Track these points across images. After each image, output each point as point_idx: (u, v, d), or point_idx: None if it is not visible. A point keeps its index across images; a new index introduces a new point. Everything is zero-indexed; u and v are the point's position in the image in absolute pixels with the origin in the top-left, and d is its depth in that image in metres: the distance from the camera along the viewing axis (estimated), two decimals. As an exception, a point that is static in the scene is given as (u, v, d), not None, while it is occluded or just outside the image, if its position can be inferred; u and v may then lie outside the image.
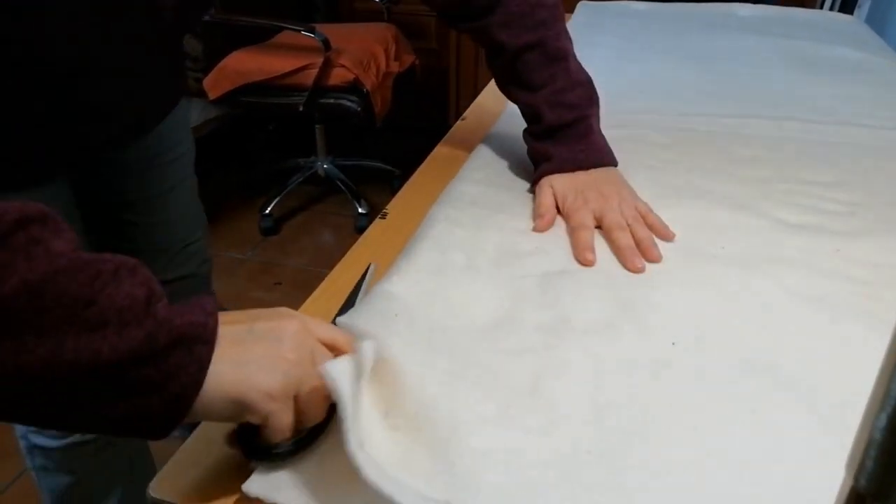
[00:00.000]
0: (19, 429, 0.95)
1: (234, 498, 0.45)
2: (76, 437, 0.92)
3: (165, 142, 0.89)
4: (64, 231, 0.38)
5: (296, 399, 0.43)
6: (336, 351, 0.47)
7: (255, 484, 0.44)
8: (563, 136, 0.78)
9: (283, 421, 0.42)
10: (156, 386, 0.38)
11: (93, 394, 0.37)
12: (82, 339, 0.35)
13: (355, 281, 0.64)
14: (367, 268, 0.65)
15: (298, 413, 0.44)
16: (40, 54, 0.62)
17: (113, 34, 0.67)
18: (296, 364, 0.43)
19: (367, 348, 0.46)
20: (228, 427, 0.47)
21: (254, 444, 0.44)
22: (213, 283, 1.12)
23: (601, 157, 0.78)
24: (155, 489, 0.45)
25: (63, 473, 0.96)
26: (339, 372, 0.43)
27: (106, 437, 0.93)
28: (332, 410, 0.45)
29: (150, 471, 1.07)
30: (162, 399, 0.38)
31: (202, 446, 0.49)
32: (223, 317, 0.42)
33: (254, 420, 0.42)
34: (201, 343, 0.39)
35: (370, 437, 0.43)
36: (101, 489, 1.00)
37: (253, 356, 0.41)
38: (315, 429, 0.45)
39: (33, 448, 0.94)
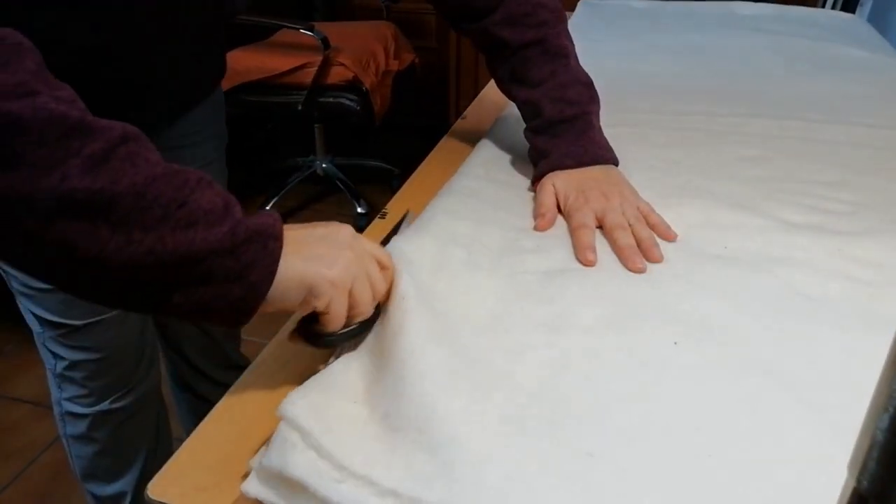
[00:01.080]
0: (54, 396, 0.98)
1: (233, 498, 0.45)
2: (104, 406, 0.97)
3: (199, 120, 0.91)
4: (153, 149, 0.45)
5: (350, 293, 0.50)
6: (379, 263, 0.54)
7: (254, 484, 0.44)
8: (562, 132, 0.78)
9: (341, 307, 0.49)
10: (236, 274, 0.45)
11: (186, 280, 0.44)
12: (178, 233, 0.43)
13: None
14: (405, 214, 0.66)
15: (351, 305, 0.50)
16: (97, 42, 0.66)
17: (164, 23, 0.71)
18: (352, 260, 0.50)
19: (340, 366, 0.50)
20: (226, 430, 0.48)
21: (312, 333, 0.51)
22: None
23: (601, 154, 0.78)
24: (154, 490, 0.45)
25: (90, 441, 1.00)
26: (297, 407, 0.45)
27: (129, 410, 0.99)
28: (378, 308, 0.53)
29: (169, 448, 1.11)
30: (242, 286, 0.45)
31: (202, 447, 0.49)
32: (287, 226, 0.49)
33: (319, 305, 0.49)
34: (273, 239, 0.47)
35: (356, 440, 0.44)
36: (122, 460, 1.05)
37: (317, 252, 0.49)
38: (362, 324, 0.52)
39: (65, 415, 0.99)
